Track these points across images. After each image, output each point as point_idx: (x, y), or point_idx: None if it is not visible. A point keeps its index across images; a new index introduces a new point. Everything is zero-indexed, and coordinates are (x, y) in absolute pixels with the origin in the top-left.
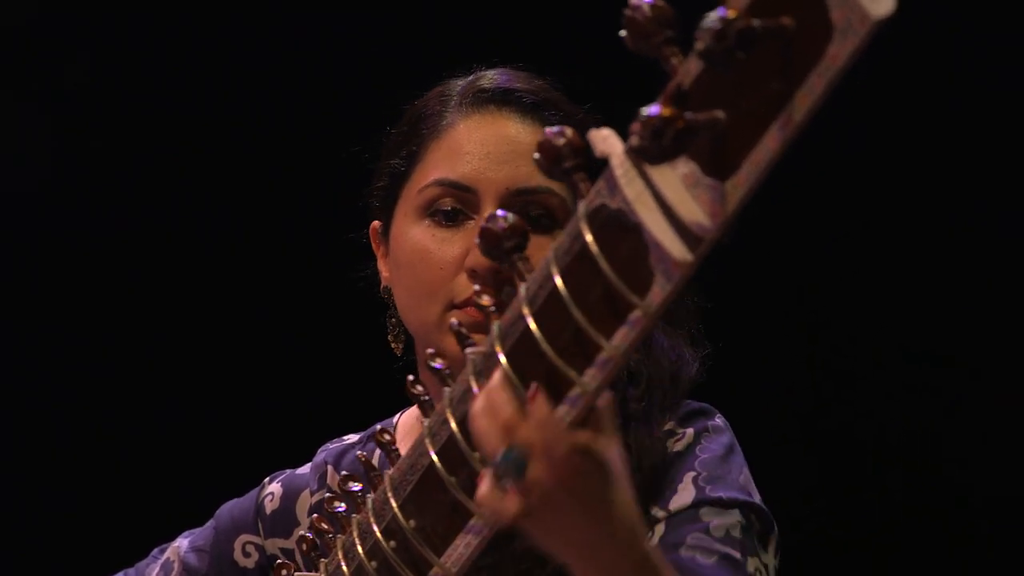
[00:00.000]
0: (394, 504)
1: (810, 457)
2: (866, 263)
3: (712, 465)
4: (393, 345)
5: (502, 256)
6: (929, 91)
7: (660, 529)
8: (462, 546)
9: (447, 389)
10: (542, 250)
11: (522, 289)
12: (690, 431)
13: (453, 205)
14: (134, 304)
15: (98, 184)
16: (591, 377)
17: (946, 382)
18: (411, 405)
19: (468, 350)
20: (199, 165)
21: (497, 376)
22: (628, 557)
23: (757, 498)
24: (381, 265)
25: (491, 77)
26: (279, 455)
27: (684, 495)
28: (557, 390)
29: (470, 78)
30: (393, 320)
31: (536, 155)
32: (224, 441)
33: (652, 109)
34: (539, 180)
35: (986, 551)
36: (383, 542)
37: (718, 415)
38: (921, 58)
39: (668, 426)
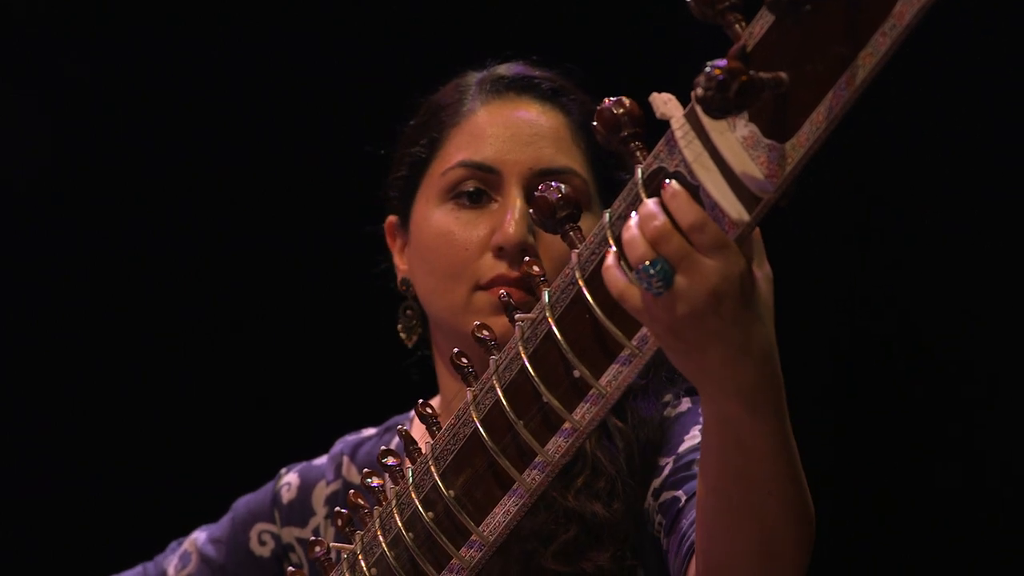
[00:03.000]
0: (435, 472)
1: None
2: (871, 254)
3: None
4: (403, 336)
5: (555, 226)
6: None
7: (659, 482)
8: (501, 514)
9: (493, 357)
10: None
11: (575, 256)
12: (689, 400)
13: (476, 186)
14: (149, 297)
15: (100, 176)
16: (641, 338)
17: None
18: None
19: (517, 316)
20: (206, 157)
21: (672, 185)
22: (764, 377)
23: None
24: (397, 259)
25: (508, 66)
26: (294, 451)
27: (691, 442)
28: (608, 352)
29: (487, 69)
30: (409, 312)
31: (595, 123)
32: (240, 438)
33: (719, 62)
34: (562, 161)
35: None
36: (422, 512)
37: None
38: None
39: (667, 398)
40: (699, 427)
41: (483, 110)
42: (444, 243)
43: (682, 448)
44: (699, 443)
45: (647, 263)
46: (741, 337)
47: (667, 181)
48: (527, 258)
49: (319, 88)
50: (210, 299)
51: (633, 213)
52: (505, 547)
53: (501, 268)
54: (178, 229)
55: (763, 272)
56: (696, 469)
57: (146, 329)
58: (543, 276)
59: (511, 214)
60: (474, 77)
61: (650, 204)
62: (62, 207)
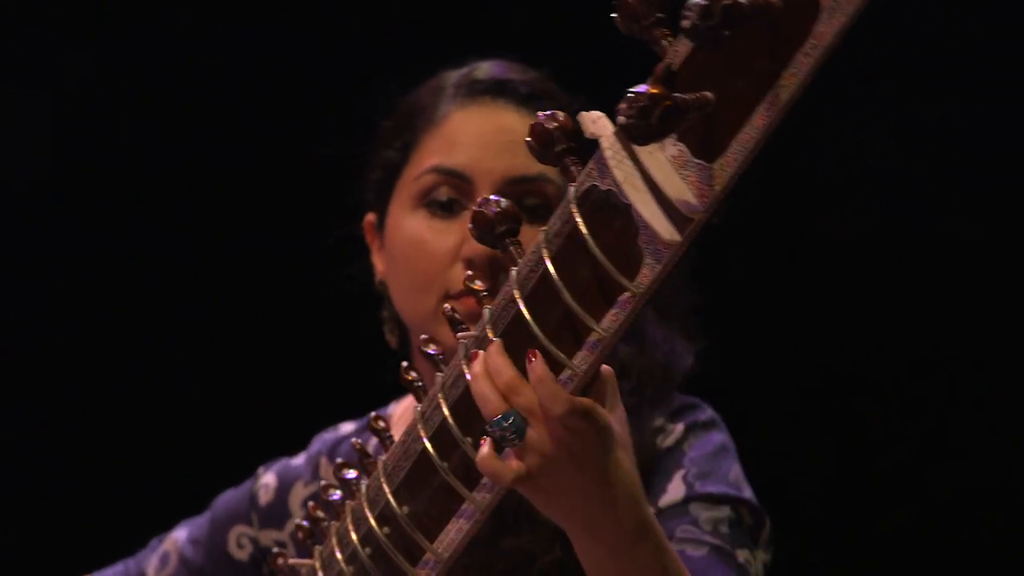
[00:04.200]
0: (387, 490)
1: (803, 448)
2: (859, 257)
3: (702, 462)
4: (389, 338)
5: (494, 241)
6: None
7: None
8: (453, 531)
9: (439, 375)
10: (536, 238)
11: (513, 273)
12: (680, 426)
13: (449, 195)
14: (131, 295)
15: (100, 176)
16: (582, 359)
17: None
18: (407, 394)
19: (460, 334)
20: (204, 156)
21: (495, 344)
22: (629, 523)
23: (748, 493)
24: (376, 259)
25: (485, 68)
26: (275, 443)
27: (673, 493)
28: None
29: (464, 70)
30: (386, 314)
31: (528, 139)
32: (221, 430)
33: (640, 88)
34: (535, 169)
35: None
36: (376, 528)
37: (708, 409)
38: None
39: (658, 422)
40: (681, 473)
41: (458, 114)
42: (415, 252)
43: (662, 502)
44: (676, 503)
45: (499, 416)
46: (601, 488)
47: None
48: (469, 272)
49: (319, 87)
50: (199, 295)
51: (480, 360)
52: (489, 564)
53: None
54: (171, 227)
55: (616, 415)
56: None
57: (130, 327)
58: (485, 291)
59: None
60: (451, 79)
61: (495, 357)
62: (62, 207)
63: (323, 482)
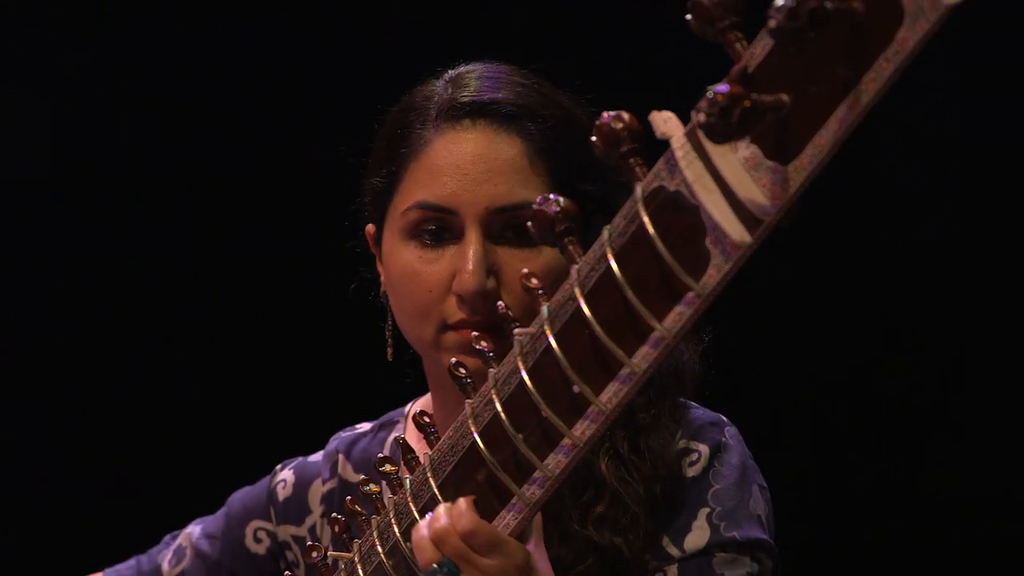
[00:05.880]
0: (433, 484)
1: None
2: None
3: (726, 497)
4: (388, 350)
5: (554, 239)
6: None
7: (673, 572)
8: (500, 527)
9: (491, 370)
10: (525, 263)
11: (574, 271)
12: (704, 449)
13: (437, 225)
14: (147, 293)
15: (100, 175)
16: (642, 357)
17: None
18: (422, 395)
19: (516, 330)
20: (205, 155)
21: (442, 505)
22: None
23: (766, 530)
24: (380, 267)
25: (468, 84)
26: (289, 446)
27: (699, 534)
28: (608, 369)
29: (448, 82)
30: (388, 325)
31: (594, 138)
32: (235, 432)
33: (721, 87)
34: (519, 196)
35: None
36: None
37: (729, 426)
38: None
39: (681, 443)
40: (706, 513)
41: (438, 142)
42: (410, 283)
43: (687, 544)
44: (700, 549)
45: (435, 565)
46: None
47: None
48: (525, 270)
49: (321, 85)
50: (207, 294)
51: (428, 516)
52: None
53: (465, 313)
54: (176, 225)
55: (539, 552)
56: None
57: (144, 324)
58: (541, 290)
59: (468, 262)
60: (434, 95)
61: (440, 508)
62: (62, 207)
63: (362, 476)
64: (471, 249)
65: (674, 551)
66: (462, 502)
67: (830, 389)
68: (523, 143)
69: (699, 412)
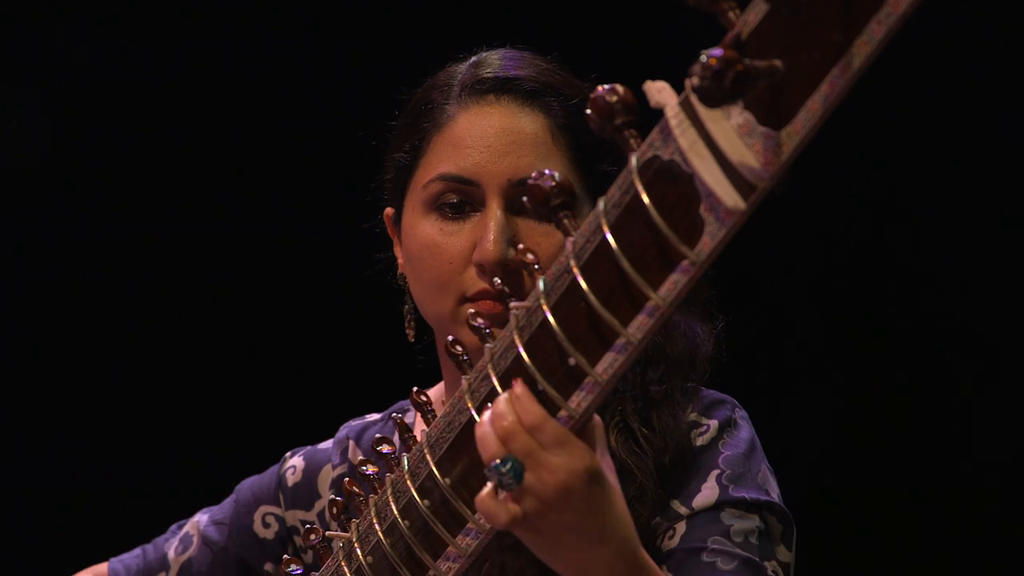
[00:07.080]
0: (431, 460)
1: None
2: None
3: (735, 463)
4: (408, 332)
5: (549, 213)
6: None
7: (682, 528)
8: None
9: (487, 346)
10: (545, 237)
11: (569, 244)
12: (714, 423)
13: (459, 198)
14: (154, 280)
15: (99, 168)
16: (638, 326)
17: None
18: (430, 386)
19: (512, 304)
20: (207, 147)
21: (504, 394)
22: (621, 565)
23: (775, 493)
24: (397, 251)
25: (491, 63)
26: (297, 437)
27: (708, 494)
28: (603, 340)
29: (471, 64)
30: (407, 307)
31: (588, 111)
32: (243, 422)
33: (714, 51)
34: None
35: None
36: (418, 500)
37: (740, 408)
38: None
39: (692, 416)
40: (716, 474)
41: (462, 116)
42: (430, 255)
43: (696, 502)
44: (710, 506)
45: (498, 461)
46: (595, 527)
47: (514, 380)
48: (520, 245)
49: (322, 75)
50: (215, 283)
51: (487, 409)
52: (521, 570)
53: (485, 283)
54: (182, 213)
55: (606, 461)
56: (704, 558)
57: (151, 314)
58: (537, 264)
59: (489, 232)
60: (458, 75)
61: (501, 403)
62: (61, 198)
63: (360, 457)
64: (492, 219)
65: (683, 510)
66: (521, 392)
67: (839, 375)
68: (545, 119)
69: (709, 393)
